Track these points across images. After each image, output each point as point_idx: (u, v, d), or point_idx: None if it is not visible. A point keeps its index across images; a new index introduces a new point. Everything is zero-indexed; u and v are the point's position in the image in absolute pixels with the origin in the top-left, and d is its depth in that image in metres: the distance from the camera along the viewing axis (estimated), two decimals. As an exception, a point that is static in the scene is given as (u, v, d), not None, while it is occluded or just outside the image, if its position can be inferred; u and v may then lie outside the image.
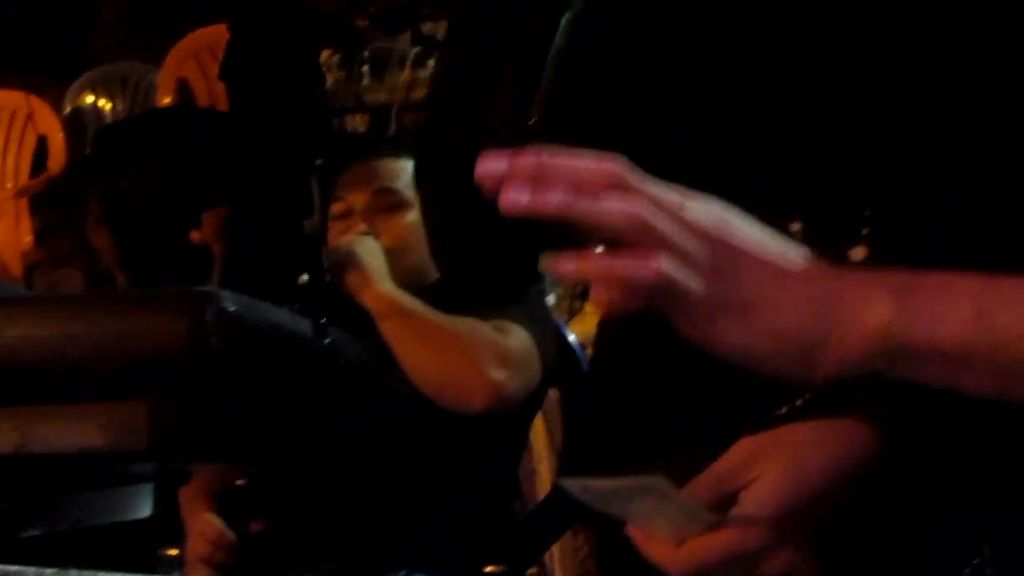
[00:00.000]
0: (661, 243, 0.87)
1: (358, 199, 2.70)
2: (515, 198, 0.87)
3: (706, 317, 0.90)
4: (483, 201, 1.30)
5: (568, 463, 1.91)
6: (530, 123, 1.16)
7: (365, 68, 4.06)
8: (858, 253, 1.14)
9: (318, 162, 4.17)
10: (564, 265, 0.89)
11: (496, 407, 2.44)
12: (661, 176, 1.02)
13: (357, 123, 4.05)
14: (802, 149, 1.16)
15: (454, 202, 1.34)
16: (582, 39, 1.15)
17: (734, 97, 1.18)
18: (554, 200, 0.87)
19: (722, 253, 0.89)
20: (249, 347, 1.30)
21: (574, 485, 1.01)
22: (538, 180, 0.87)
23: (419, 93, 3.90)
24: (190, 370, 1.26)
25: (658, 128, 1.20)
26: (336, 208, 2.73)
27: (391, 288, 2.48)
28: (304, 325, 1.41)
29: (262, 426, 1.39)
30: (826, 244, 1.15)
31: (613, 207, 0.87)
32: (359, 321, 2.40)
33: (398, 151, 2.73)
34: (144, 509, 1.84)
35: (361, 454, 2.22)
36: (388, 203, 2.67)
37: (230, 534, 2.41)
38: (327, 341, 1.40)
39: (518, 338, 2.50)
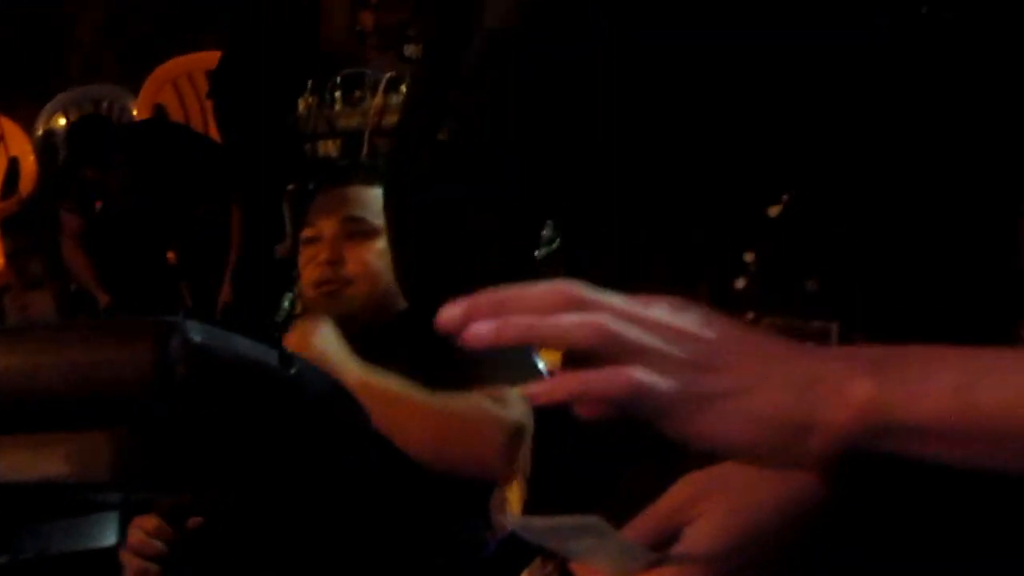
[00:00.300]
0: (629, 349, 0.87)
1: (327, 226, 2.71)
2: (478, 333, 0.88)
3: (687, 413, 0.89)
4: (449, 227, 1.30)
5: (536, 494, 1.91)
6: (439, 138, 1.17)
7: (337, 93, 4.07)
8: (812, 285, 1.15)
9: (290, 187, 4.19)
10: (537, 391, 0.89)
11: (510, 475, 2.47)
12: (588, 200, 1.03)
13: (329, 148, 4.06)
14: (753, 181, 1.17)
15: (421, 227, 1.34)
16: (493, 58, 1.15)
17: (671, 126, 1.18)
18: (516, 326, 0.88)
19: (697, 347, 0.89)
20: (215, 377, 1.30)
21: (515, 523, 1.02)
22: (496, 314, 0.88)
23: (391, 119, 3.90)
24: (155, 400, 1.26)
25: (581, 153, 1.20)
26: (306, 234, 2.75)
27: (362, 372, 2.46)
28: (270, 355, 1.41)
29: (228, 456, 1.38)
30: (778, 275, 1.15)
31: (575, 321, 0.87)
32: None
33: (369, 178, 2.74)
34: (109, 538, 1.83)
35: (329, 485, 2.21)
36: (356, 231, 2.68)
37: (166, 528, 2.41)
38: (293, 371, 1.40)
39: (518, 407, 2.49)
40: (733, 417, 0.89)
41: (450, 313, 0.89)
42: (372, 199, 2.68)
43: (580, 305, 0.88)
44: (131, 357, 1.25)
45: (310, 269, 2.70)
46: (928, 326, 1.13)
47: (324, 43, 4.74)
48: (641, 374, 0.87)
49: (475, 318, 0.88)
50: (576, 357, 0.90)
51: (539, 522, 1.00)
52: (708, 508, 1.04)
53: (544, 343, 0.88)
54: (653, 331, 0.88)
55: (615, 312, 0.88)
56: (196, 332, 1.29)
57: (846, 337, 1.14)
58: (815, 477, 1.04)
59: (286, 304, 2.67)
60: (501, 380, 2.55)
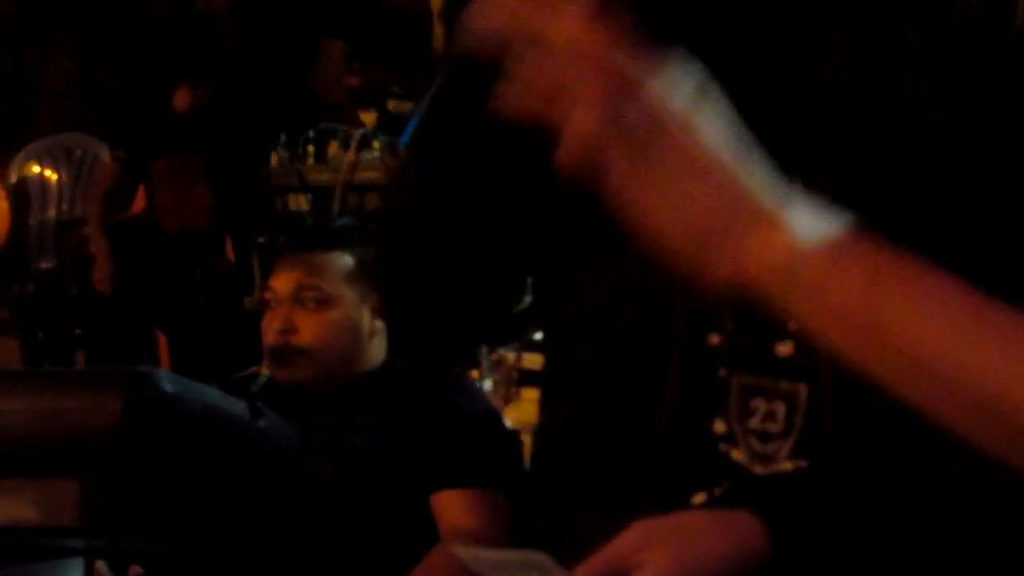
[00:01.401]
0: (596, 99, 0.85)
1: (283, 290, 2.68)
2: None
3: (631, 188, 0.86)
4: (436, 284, 1.33)
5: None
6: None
7: (310, 148, 4.08)
8: (784, 348, 1.18)
9: (260, 240, 4.20)
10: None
11: None
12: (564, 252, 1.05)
13: (300, 202, 4.07)
14: None
15: (410, 285, 1.36)
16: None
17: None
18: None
19: (659, 137, 0.86)
20: (184, 427, 1.32)
21: (466, 554, 1.05)
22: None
23: (363, 175, 3.92)
24: (124, 449, 1.28)
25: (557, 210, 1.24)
26: (267, 296, 2.72)
27: None
28: (239, 407, 1.43)
29: (194, 506, 1.41)
30: (751, 335, 1.19)
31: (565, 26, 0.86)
32: (292, 404, 2.41)
33: (331, 243, 2.72)
34: (74, 583, 1.85)
35: (288, 537, 2.21)
36: (310, 298, 2.65)
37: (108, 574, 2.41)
38: (261, 423, 1.42)
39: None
40: (664, 208, 0.87)
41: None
42: (330, 265, 2.68)
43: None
44: (102, 406, 1.27)
45: (266, 334, 2.68)
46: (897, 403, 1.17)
47: (315, 97, 4.79)
48: (602, 128, 0.85)
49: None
50: None
51: (487, 553, 1.03)
52: (653, 556, 1.08)
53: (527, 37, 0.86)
54: (629, 102, 0.86)
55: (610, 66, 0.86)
56: (166, 382, 1.32)
57: (815, 400, 1.17)
58: (758, 537, 1.08)
59: (264, 375, 2.66)
60: (469, 441, 2.56)
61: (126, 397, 1.28)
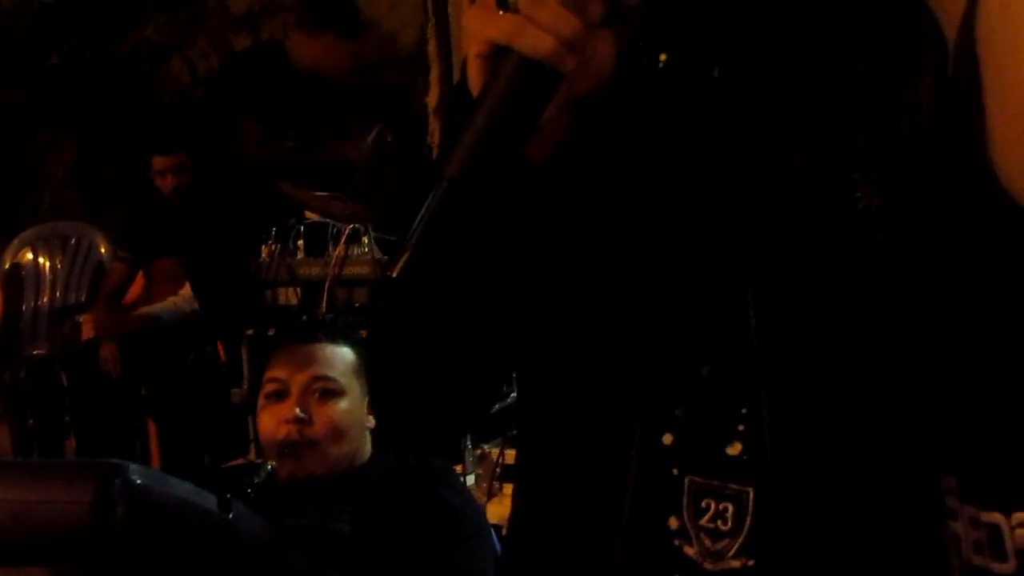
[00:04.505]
0: None
1: (295, 382, 2.72)
2: None
3: None
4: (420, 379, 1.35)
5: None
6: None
7: (300, 242, 4.11)
8: (733, 450, 1.21)
9: (248, 332, 4.23)
10: None
11: None
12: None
13: (290, 296, 4.10)
14: (687, 339, 1.23)
15: (395, 377, 1.38)
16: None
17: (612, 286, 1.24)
18: None
19: None
20: (154, 519, 1.34)
21: None
22: None
23: (352, 269, 3.95)
24: (95, 539, 1.30)
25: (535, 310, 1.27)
26: (271, 388, 2.75)
27: None
28: (209, 499, 1.45)
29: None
30: (703, 435, 1.21)
31: None
32: (264, 497, 2.43)
33: (334, 337, 2.78)
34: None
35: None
36: (324, 389, 2.71)
37: None
38: (230, 516, 1.44)
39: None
40: None
41: None
42: (337, 358, 2.74)
43: None
44: (72, 497, 1.29)
45: (276, 426, 2.71)
46: (841, 504, 1.19)
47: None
48: None
49: None
50: None
51: None
52: None
53: None
54: None
55: None
56: (137, 475, 1.34)
57: (762, 502, 1.20)
58: None
59: (269, 467, 2.67)
60: (452, 533, 2.58)
61: (96, 489, 1.30)
